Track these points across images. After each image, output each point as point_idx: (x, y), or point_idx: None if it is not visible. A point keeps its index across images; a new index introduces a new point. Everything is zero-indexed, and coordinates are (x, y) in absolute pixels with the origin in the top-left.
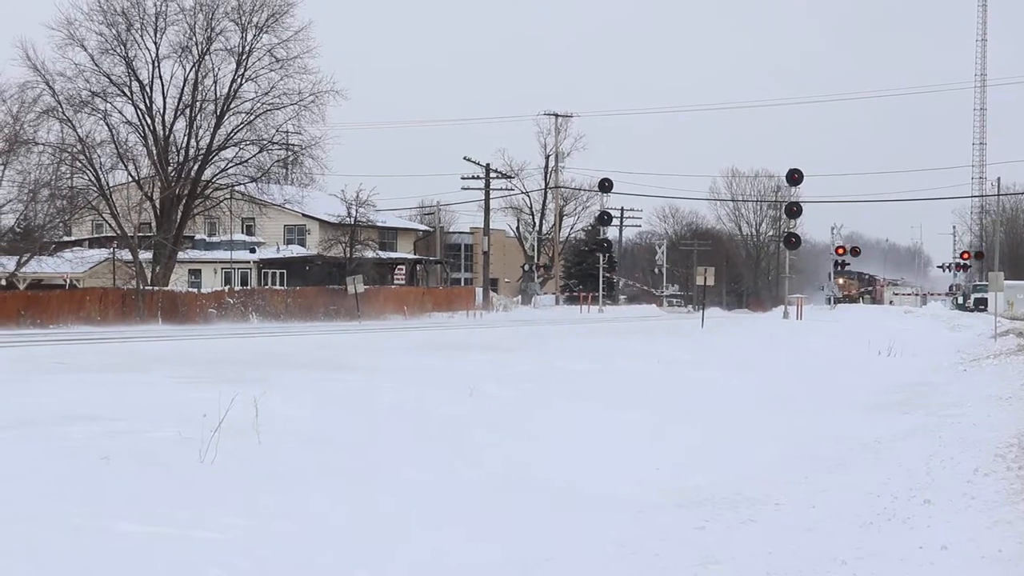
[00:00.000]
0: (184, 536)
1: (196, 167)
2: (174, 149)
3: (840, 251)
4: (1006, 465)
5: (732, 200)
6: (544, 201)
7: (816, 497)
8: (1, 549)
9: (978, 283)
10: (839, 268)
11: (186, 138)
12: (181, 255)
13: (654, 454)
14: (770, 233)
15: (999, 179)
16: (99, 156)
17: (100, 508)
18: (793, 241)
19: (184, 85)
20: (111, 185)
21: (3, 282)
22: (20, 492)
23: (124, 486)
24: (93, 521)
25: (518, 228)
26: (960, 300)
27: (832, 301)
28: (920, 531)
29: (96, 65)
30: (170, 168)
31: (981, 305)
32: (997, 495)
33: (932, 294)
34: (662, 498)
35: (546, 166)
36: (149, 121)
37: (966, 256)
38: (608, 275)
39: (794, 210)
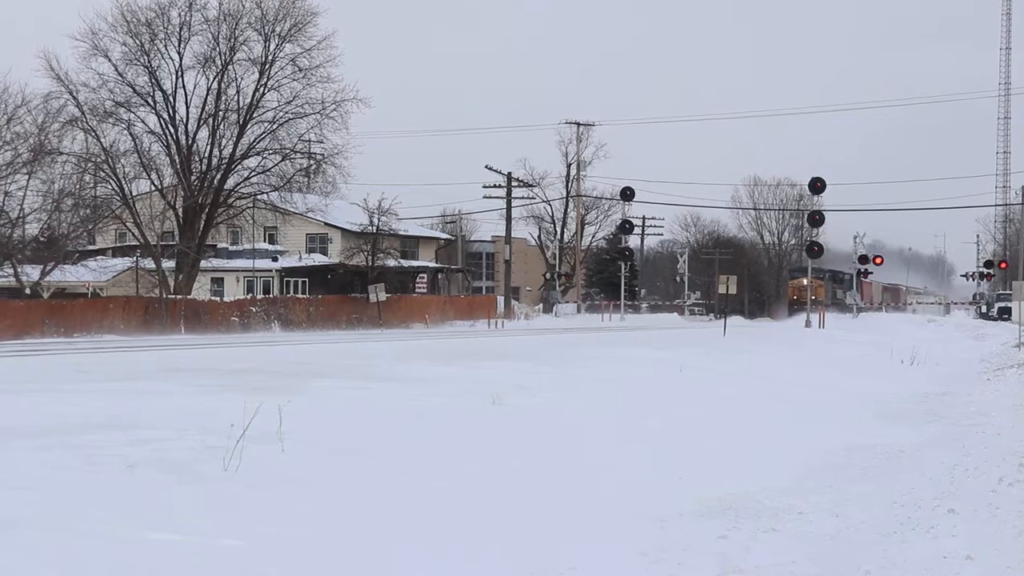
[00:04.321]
0: (210, 544)
1: (219, 176)
2: (197, 158)
3: (863, 260)
4: None
5: (754, 209)
6: (566, 210)
7: (840, 506)
8: (33, 558)
9: (1002, 292)
10: (863, 276)
11: (209, 147)
12: (204, 264)
13: (677, 463)
14: (792, 242)
15: (1023, 188)
16: (122, 165)
17: (126, 516)
18: (816, 250)
19: (207, 95)
20: (134, 194)
21: (27, 291)
22: (47, 500)
23: (149, 494)
24: (120, 529)
25: (539, 237)
26: (984, 309)
27: (855, 310)
28: (944, 540)
29: (120, 75)
30: (193, 177)
31: (1005, 314)
32: (1022, 505)
33: (955, 303)
34: (685, 507)
35: (567, 175)
36: (172, 131)
37: (990, 265)
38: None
39: (816, 219)
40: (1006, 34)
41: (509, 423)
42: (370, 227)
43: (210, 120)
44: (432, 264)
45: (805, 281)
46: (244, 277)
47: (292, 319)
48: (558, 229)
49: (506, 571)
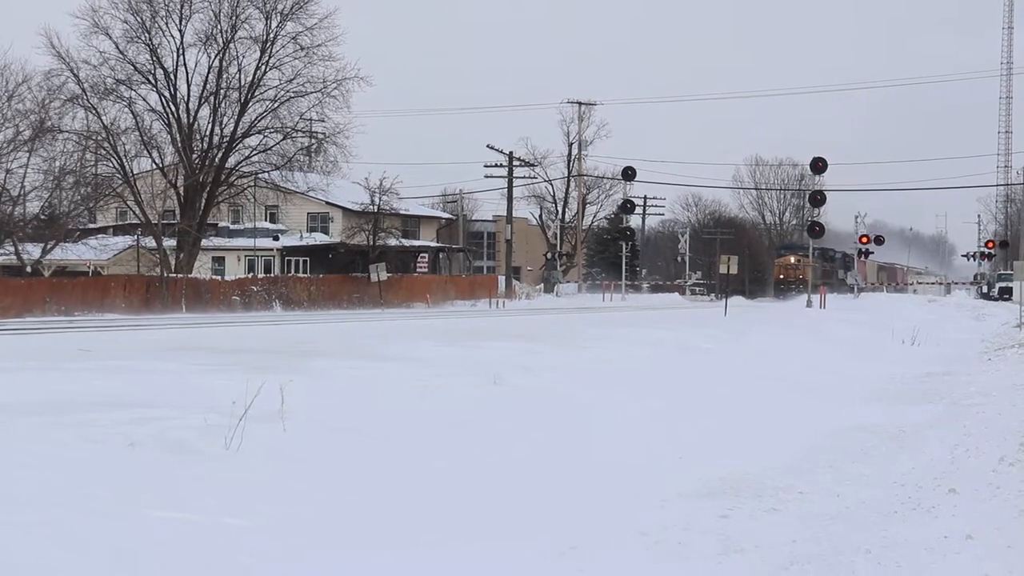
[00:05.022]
0: (212, 523)
1: (220, 155)
2: (198, 137)
3: (864, 240)
4: None
5: (755, 188)
6: (567, 189)
7: (840, 486)
8: (35, 535)
9: (1003, 272)
10: (863, 256)
11: (210, 126)
12: (205, 242)
13: (678, 443)
14: (793, 222)
15: None
16: (123, 143)
17: (129, 494)
18: (817, 230)
19: (208, 73)
20: (135, 172)
21: (28, 269)
22: (49, 478)
23: (151, 473)
24: (123, 507)
25: (541, 216)
26: (984, 289)
27: (856, 290)
28: (945, 520)
29: (121, 53)
30: (194, 156)
31: (1006, 294)
32: (1023, 484)
33: (956, 283)
34: (686, 487)
35: (569, 154)
36: (173, 109)
37: (991, 245)
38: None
39: (818, 198)
40: (1008, 13)
41: (510, 403)
42: (371, 206)
43: (211, 98)
44: (433, 244)
45: (792, 259)
46: (245, 256)
47: (293, 298)
48: (559, 209)
49: (506, 549)
